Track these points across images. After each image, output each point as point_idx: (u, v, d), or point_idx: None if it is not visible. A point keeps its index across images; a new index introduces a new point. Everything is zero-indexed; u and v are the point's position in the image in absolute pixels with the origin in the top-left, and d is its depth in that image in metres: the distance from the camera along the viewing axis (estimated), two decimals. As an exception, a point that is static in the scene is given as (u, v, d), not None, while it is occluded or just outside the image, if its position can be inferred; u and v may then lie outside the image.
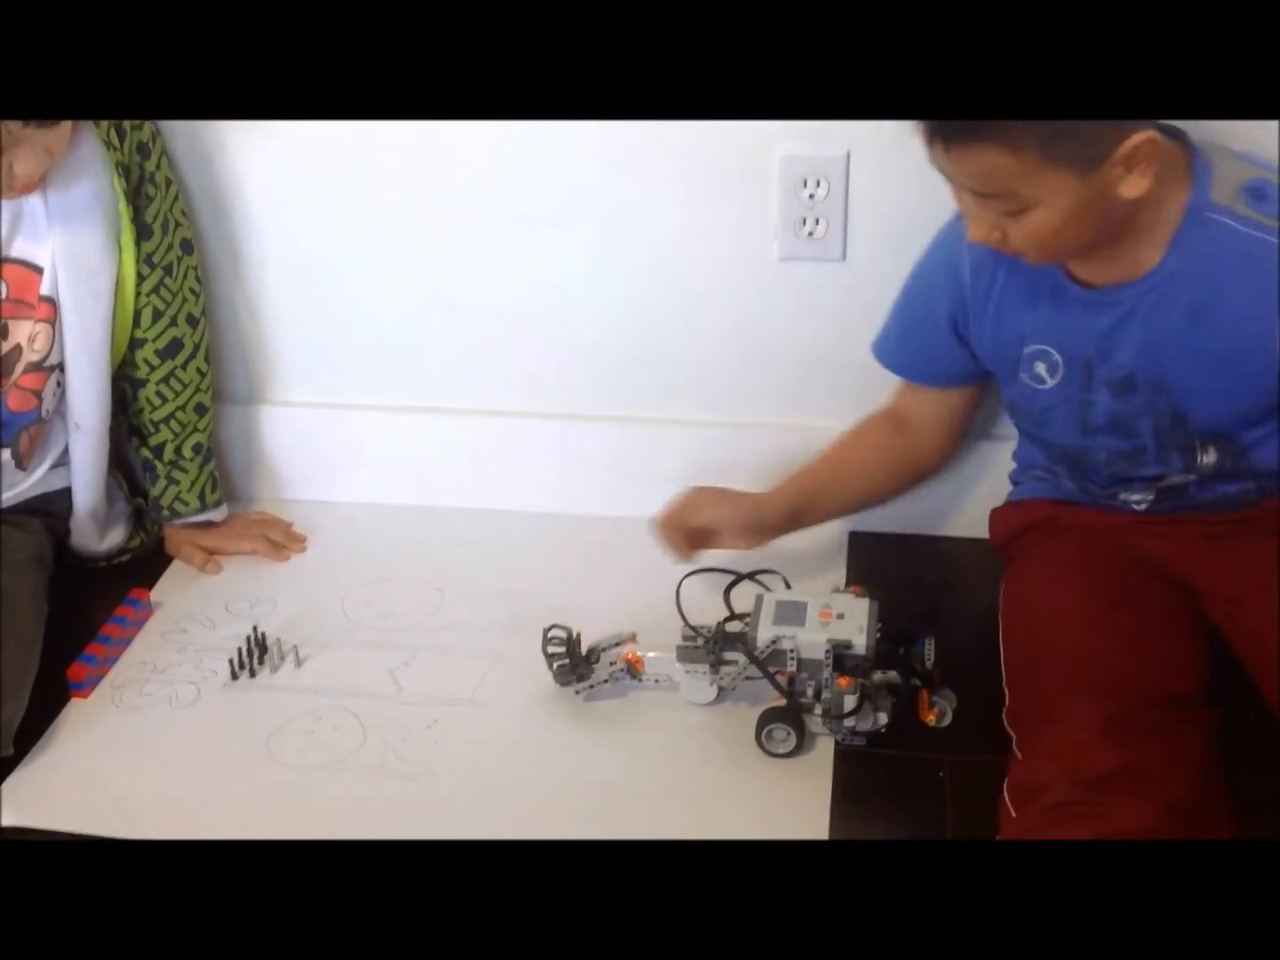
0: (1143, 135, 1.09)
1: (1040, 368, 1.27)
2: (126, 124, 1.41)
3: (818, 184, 1.43)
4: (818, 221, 1.45)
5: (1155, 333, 1.21)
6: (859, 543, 1.55)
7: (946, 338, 1.34)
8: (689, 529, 1.37)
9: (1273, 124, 1.26)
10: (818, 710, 1.26)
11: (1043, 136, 1.07)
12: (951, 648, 1.31)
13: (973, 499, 1.54)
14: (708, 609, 1.32)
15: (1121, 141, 1.09)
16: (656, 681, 1.33)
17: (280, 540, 1.58)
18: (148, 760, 1.29)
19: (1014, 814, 1.13)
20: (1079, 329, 1.24)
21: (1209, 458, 1.26)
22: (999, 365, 1.32)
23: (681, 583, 1.32)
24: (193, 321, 1.51)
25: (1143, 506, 1.32)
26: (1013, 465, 1.45)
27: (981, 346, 1.32)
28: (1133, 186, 1.12)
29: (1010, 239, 1.16)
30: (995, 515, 1.46)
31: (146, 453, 1.54)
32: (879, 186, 1.43)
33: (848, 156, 1.42)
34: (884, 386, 1.50)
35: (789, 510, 1.39)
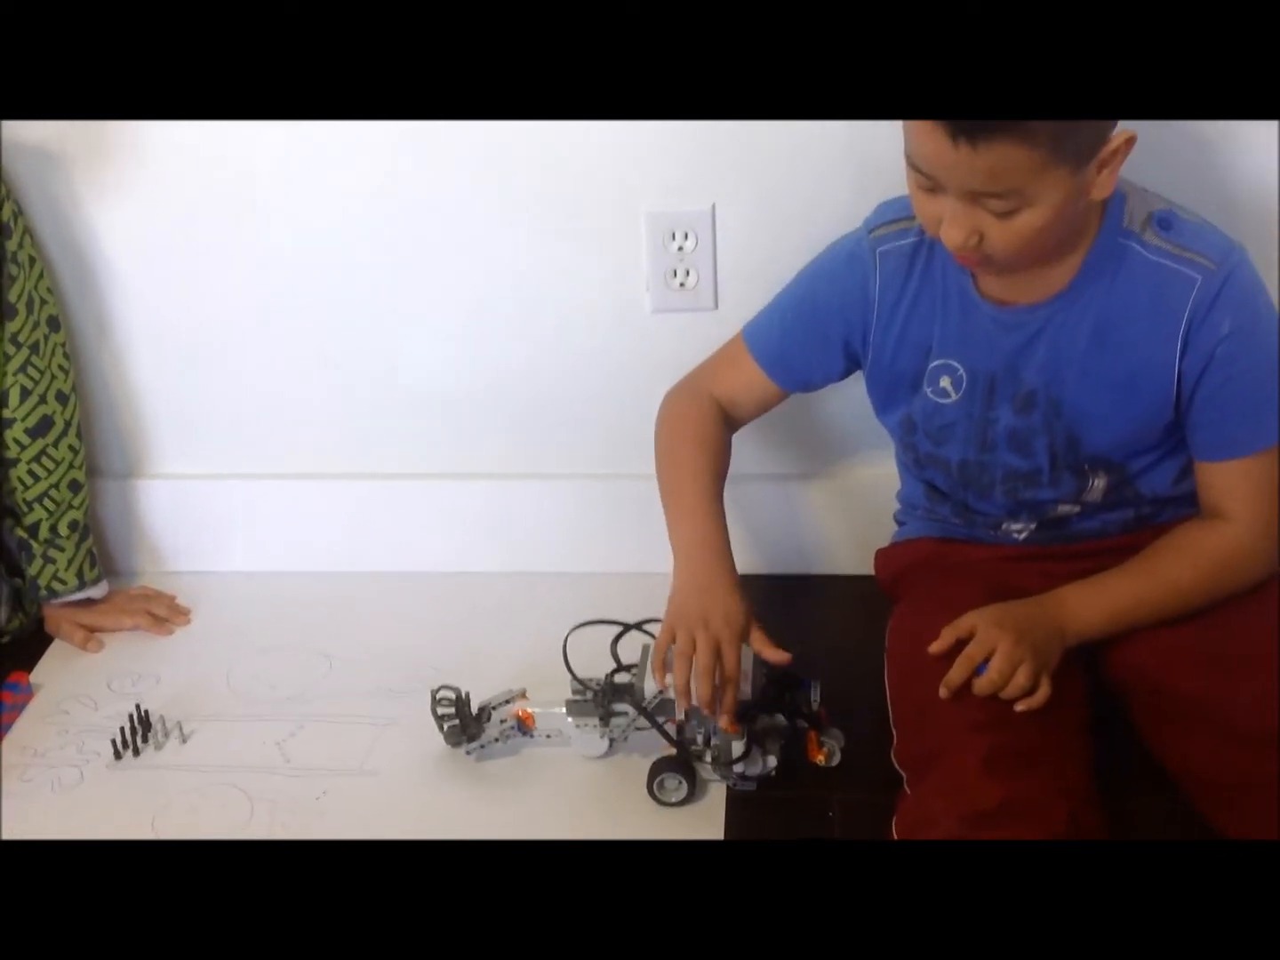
0: (1125, 134, 1.11)
1: (945, 382, 1.28)
2: (-14, 205, 1.40)
3: (685, 236, 1.45)
4: (688, 273, 1.48)
5: (1059, 353, 1.23)
6: (743, 585, 1.56)
7: (831, 353, 1.34)
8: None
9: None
10: (708, 757, 1.27)
11: (1055, 132, 1.07)
12: (838, 687, 1.32)
13: (854, 538, 1.57)
14: (596, 661, 1.32)
15: (1106, 138, 1.11)
16: (548, 737, 1.33)
17: (163, 614, 1.56)
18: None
19: (902, 850, 1.15)
20: (987, 346, 1.26)
21: (1099, 481, 1.29)
22: (900, 379, 1.31)
23: (568, 637, 1.32)
24: (62, 398, 1.49)
25: (1023, 536, 1.35)
26: (894, 505, 1.47)
27: (881, 361, 1.31)
28: (1102, 188, 1.14)
29: (988, 242, 1.14)
30: (881, 555, 1.47)
31: (21, 532, 1.51)
32: (746, 236, 1.46)
33: (713, 209, 1.44)
34: (762, 434, 1.52)
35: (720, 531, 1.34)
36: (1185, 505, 1.30)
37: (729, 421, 1.40)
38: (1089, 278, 1.21)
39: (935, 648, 1.23)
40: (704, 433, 1.38)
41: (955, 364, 1.28)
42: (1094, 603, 1.26)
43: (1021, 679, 1.19)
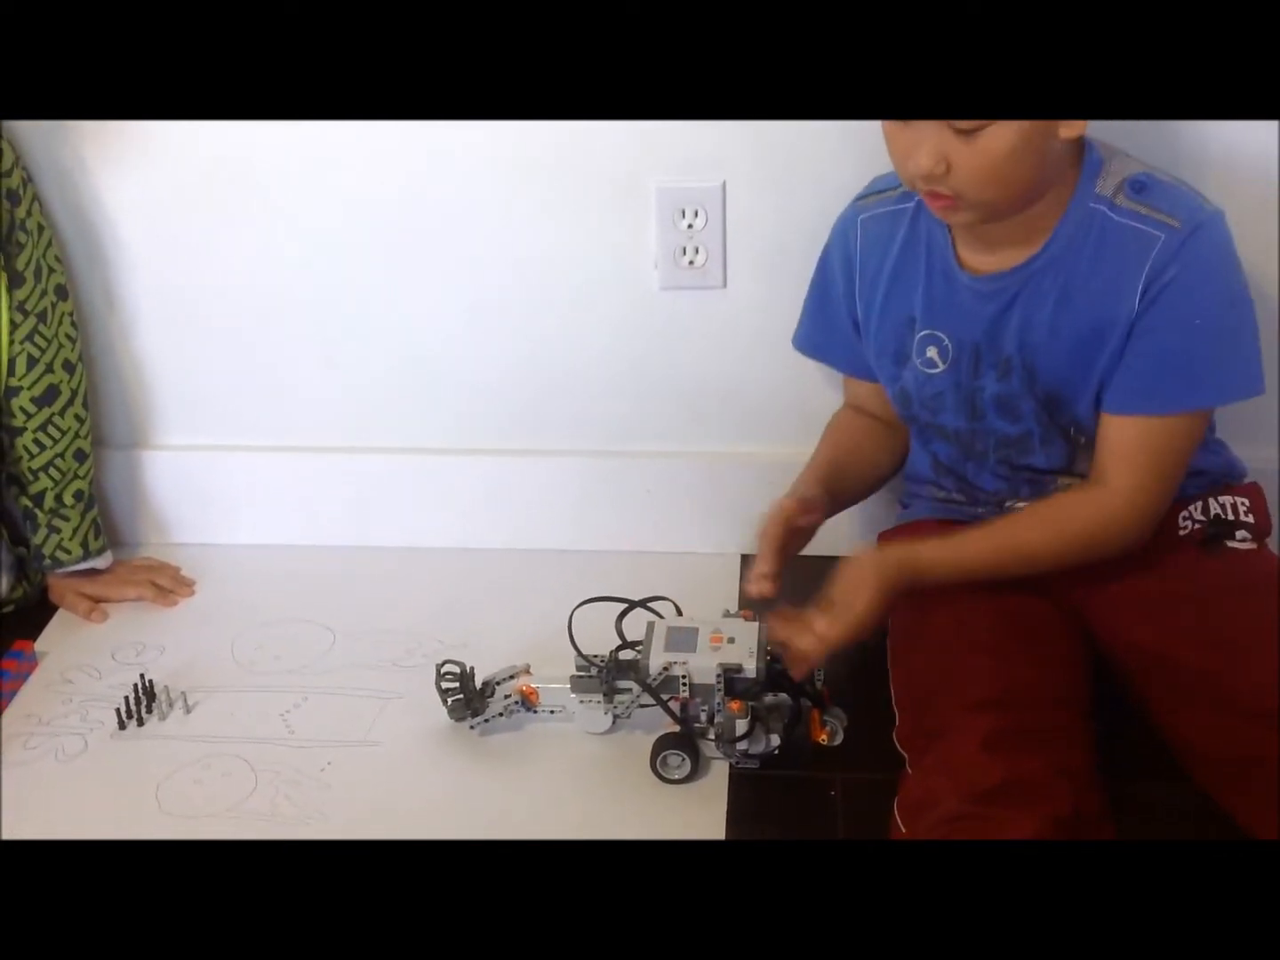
0: None
1: (932, 352, 1.29)
2: (-5, 171, 1.39)
3: (695, 214, 1.45)
4: (697, 251, 1.47)
5: (1030, 318, 1.24)
6: (750, 565, 1.56)
7: (845, 327, 1.36)
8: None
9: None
10: (711, 735, 1.28)
11: None
12: (841, 668, 1.32)
13: (860, 519, 1.56)
14: (600, 638, 1.32)
15: None
16: (552, 712, 1.33)
17: (167, 585, 1.56)
18: (34, 816, 1.26)
19: (904, 830, 1.15)
20: (968, 316, 1.26)
21: (1086, 449, 1.29)
22: (889, 351, 1.32)
23: (573, 613, 1.32)
24: (69, 367, 1.49)
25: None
26: (901, 487, 1.47)
27: (869, 331, 1.33)
28: (1071, 127, 1.15)
29: (955, 173, 1.14)
30: (884, 537, 1.47)
31: (26, 501, 1.51)
32: (757, 215, 1.45)
33: (723, 187, 1.44)
34: (770, 412, 1.52)
35: (820, 488, 1.36)
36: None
37: (875, 420, 1.42)
38: (1058, 243, 1.22)
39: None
40: (838, 417, 1.44)
41: (941, 334, 1.29)
42: (944, 558, 1.27)
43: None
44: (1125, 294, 1.20)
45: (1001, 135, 1.12)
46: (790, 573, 1.57)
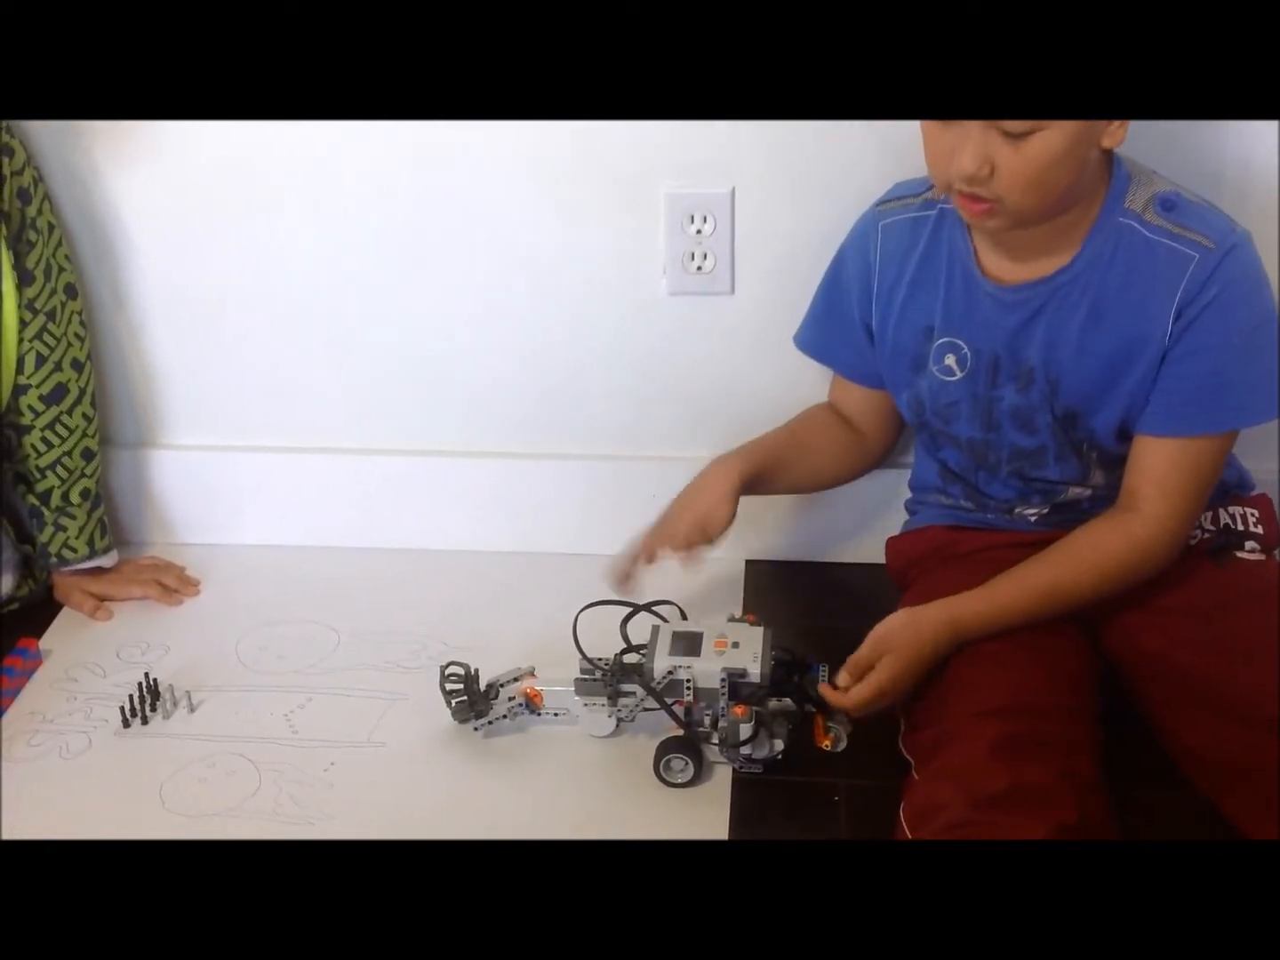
0: None
1: (950, 360, 1.29)
2: (6, 170, 1.39)
3: (704, 219, 1.45)
4: (705, 256, 1.47)
5: (1057, 331, 1.24)
6: (755, 570, 1.57)
7: (856, 332, 1.36)
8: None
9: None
10: (715, 739, 1.27)
11: None
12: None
13: (867, 525, 1.57)
14: (605, 641, 1.32)
15: None
16: (555, 715, 1.33)
17: (172, 585, 1.57)
18: (37, 814, 1.26)
19: (910, 836, 1.15)
20: (989, 324, 1.26)
21: (1098, 464, 1.29)
22: (906, 358, 1.32)
23: (578, 616, 1.32)
24: (78, 366, 1.49)
25: (1035, 520, 1.35)
26: (908, 494, 1.47)
27: (884, 337, 1.33)
28: (1112, 137, 1.15)
29: (998, 177, 1.14)
30: (891, 544, 1.47)
31: (33, 499, 1.51)
32: (766, 221, 1.46)
33: (732, 193, 1.44)
34: (776, 418, 1.51)
35: (755, 472, 1.36)
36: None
37: (845, 422, 1.43)
38: (1088, 256, 1.22)
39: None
40: (813, 408, 1.45)
41: (960, 343, 1.28)
42: (985, 612, 1.25)
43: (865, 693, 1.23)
44: (1157, 313, 1.20)
45: (1050, 140, 1.12)
46: (790, 579, 1.59)
